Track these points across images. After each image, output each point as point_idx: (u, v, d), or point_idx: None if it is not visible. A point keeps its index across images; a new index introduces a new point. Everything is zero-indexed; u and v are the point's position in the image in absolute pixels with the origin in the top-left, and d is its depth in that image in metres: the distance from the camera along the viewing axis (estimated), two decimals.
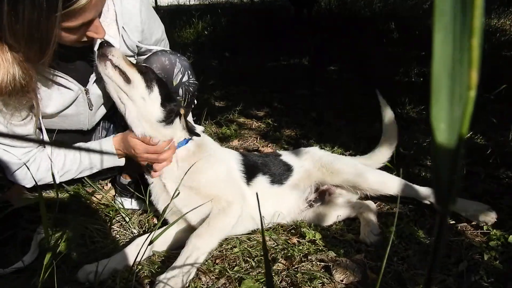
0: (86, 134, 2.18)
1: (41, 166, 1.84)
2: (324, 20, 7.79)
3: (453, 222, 1.98)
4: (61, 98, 1.87)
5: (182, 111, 1.87)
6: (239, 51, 6.41)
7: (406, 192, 2.02)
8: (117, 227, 2.00)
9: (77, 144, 1.99)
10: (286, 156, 2.17)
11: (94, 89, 1.98)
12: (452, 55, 0.26)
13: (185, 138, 1.89)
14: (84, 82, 1.94)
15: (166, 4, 14.42)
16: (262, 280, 1.55)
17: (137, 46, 2.03)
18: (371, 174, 2.08)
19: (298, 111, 3.81)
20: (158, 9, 11.47)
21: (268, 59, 5.99)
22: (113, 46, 1.76)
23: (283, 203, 2.01)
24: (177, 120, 1.86)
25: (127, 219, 2.02)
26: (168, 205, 1.55)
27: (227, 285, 1.54)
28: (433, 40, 0.26)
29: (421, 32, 6.36)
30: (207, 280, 1.58)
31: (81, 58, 1.92)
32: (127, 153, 1.93)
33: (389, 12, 8.19)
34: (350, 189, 2.09)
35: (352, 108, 3.70)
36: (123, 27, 1.92)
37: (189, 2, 15.07)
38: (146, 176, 1.93)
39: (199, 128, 1.96)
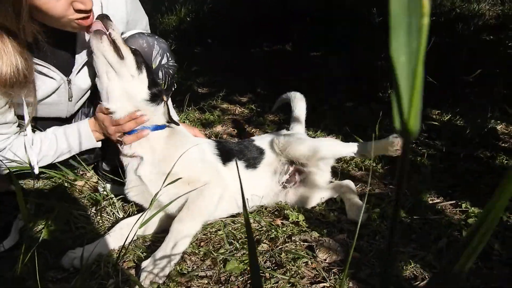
0: (65, 121, 2.15)
1: (17, 153, 1.82)
2: (307, 6, 7.75)
3: (433, 202, 2.02)
4: (44, 87, 1.84)
5: (164, 98, 1.87)
6: (222, 38, 6.36)
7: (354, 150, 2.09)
8: (101, 212, 1.99)
9: (54, 127, 1.96)
10: (258, 141, 2.17)
11: (76, 81, 1.96)
12: None
13: (162, 124, 1.88)
14: (67, 72, 1.92)
15: None
16: (246, 261, 1.57)
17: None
18: (323, 145, 2.09)
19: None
20: None
21: (251, 45, 5.97)
22: (111, 21, 1.74)
23: (258, 185, 2.02)
24: (161, 104, 1.85)
25: (111, 202, 2.01)
26: (153, 198, 1.57)
27: (212, 267, 1.55)
28: None
29: None
30: (192, 263, 1.59)
31: (65, 49, 1.90)
32: (103, 133, 1.92)
33: None
34: (313, 163, 2.09)
35: (335, 93, 3.72)
36: None
37: None
38: (122, 159, 1.90)
39: (176, 117, 1.97)
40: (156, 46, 2.05)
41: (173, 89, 2.23)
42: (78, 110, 2.17)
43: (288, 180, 2.07)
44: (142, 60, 1.82)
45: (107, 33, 1.72)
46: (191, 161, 1.79)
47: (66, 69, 1.92)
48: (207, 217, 1.75)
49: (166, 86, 2.13)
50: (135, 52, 1.80)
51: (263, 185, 2.03)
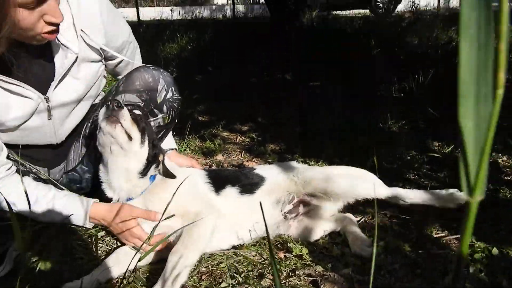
0: (57, 148, 2.10)
1: (9, 197, 1.69)
2: (306, 36, 7.89)
3: (438, 235, 1.99)
4: (21, 108, 1.77)
5: (161, 158, 1.88)
6: (223, 66, 6.42)
7: (379, 194, 2.04)
8: (97, 242, 1.95)
9: (55, 193, 1.88)
10: (260, 170, 2.15)
11: (55, 97, 1.86)
12: (477, 60, 0.27)
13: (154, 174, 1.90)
14: (43, 89, 1.83)
15: (149, 19, 14.45)
16: None
17: (102, 50, 1.95)
18: (341, 178, 2.06)
19: (282, 126, 3.82)
20: (140, 23, 11.48)
21: (251, 74, 6.02)
22: (123, 108, 1.72)
23: (256, 213, 1.96)
24: (152, 167, 1.86)
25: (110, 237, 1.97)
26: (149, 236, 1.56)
27: None
28: (459, 49, 0.27)
29: (401, 47, 6.51)
30: None
31: (38, 62, 1.83)
32: (106, 225, 1.87)
33: (370, 29, 8.36)
34: (323, 196, 2.05)
35: (336, 123, 3.73)
36: (82, 30, 1.83)
37: (172, 17, 15.13)
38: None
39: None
40: (162, 80, 2.04)
41: (176, 121, 2.22)
42: (73, 138, 2.13)
43: (291, 211, 2.04)
44: (145, 127, 1.82)
45: (120, 122, 1.70)
46: (180, 195, 1.77)
47: (43, 85, 1.83)
48: (203, 247, 1.70)
49: (170, 119, 2.12)
50: (140, 122, 1.79)
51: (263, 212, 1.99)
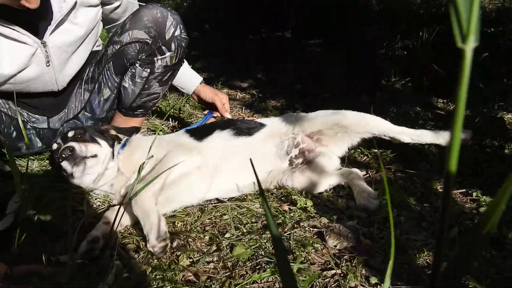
0: (58, 96, 2.05)
1: None
2: None
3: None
4: (16, 55, 1.72)
5: (113, 132, 1.97)
6: (220, 23, 6.25)
7: (385, 130, 1.98)
8: (98, 200, 1.91)
9: None
10: (259, 119, 2.14)
11: (52, 42, 1.82)
12: None
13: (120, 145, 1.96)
14: (40, 34, 1.78)
15: None
16: (254, 246, 1.51)
17: None
18: (349, 111, 2.06)
19: (283, 83, 3.74)
20: None
21: (250, 32, 5.86)
22: (73, 147, 1.75)
23: (258, 156, 1.94)
24: (115, 146, 1.93)
25: None
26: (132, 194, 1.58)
27: (218, 252, 1.49)
28: None
29: (403, 4, 6.32)
30: (197, 248, 1.53)
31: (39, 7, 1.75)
32: None
33: None
34: (331, 132, 2.02)
35: (337, 81, 3.65)
36: None
37: None
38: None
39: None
40: (170, 17, 1.95)
41: (182, 64, 2.14)
42: (75, 84, 2.07)
43: (297, 156, 2.00)
44: (93, 133, 1.89)
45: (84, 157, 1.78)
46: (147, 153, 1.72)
47: (39, 29, 1.78)
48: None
49: (177, 60, 2.04)
50: (94, 140, 1.86)
51: (266, 156, 1.96)
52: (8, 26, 1.65)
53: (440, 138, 1.97)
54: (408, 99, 3.03)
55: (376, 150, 2.32)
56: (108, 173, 1.85)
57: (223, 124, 2.00)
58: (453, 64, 3.45)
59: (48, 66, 1.85)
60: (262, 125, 2.04)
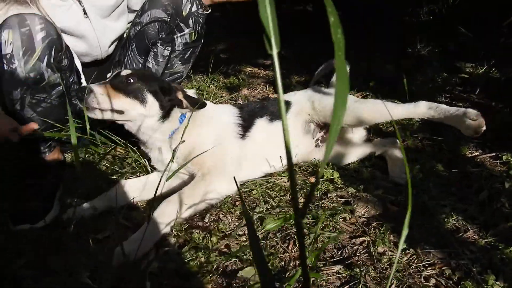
0: (102, 65, 2.14)
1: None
2: None
3: (472, 155, 1.96)
4: (56, 12, 1.79)
5: (180, 95, 1.80)
6: (241, 2, 6.20)
7: (403, 113, 1.88)
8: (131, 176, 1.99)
9: None
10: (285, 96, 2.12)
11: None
12: None
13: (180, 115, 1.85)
14: None
15: None
16: (281, 223, 1.55)
17: None
18: (362, 103, 1.97)
19: (306, 58, 3.71)
20: None
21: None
22: (92, 91, 1.66)
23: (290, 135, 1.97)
24: (174, 110, 1.81)
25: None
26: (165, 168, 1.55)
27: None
28: None
29: None
30: (229, 221, 1.59)
31: None
32: None
33: None
34: (349, 122, 1.96)
35: (361, 52, 3.59)
36: None
37: None
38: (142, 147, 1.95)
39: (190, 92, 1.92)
40: None
41: (202, 41, 2.15)
42: (109, 69, 2.15)
43: (323, 139, 2.03)
44: (142, 84, 1.73)
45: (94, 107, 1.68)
46: (204, 145, 1.75)
47: None
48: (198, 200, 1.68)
49: (196, 36, 2.06)
50: (131, 85, 1.72)
51: (294, 136, 1.99)
52: None
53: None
54: (435, 66, 2.96)
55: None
56: (155, 135, 1.81)
57: (261, 112, 2.00)
58: (480, 27, 3.34)
59: (86, 18, 1.92)
60: (288, 104, 2.05)
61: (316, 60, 3.62)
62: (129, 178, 1.92)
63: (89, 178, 1.89)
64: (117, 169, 2.00)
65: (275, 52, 0.48)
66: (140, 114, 1.73)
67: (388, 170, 1.89)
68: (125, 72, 1.76)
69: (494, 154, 1.92)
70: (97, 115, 1.69)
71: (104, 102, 1.67)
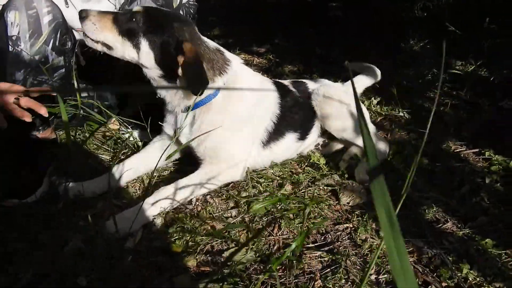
0: None
1: None
2: None
3: (457, 150, 2.01)
4: None
5: (181, 59, 1.50)
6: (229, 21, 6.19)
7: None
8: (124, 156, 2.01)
9: None
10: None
11: None
12: None
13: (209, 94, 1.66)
14: None
15: None
16: (269, 203, 1.59)
17: None
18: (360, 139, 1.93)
19: (301, 48, 3.74)
20: None
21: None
22: (87, 17, 1.53)
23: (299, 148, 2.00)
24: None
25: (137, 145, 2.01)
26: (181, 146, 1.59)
27: (238, 209, 1.58)
28: None
29: None
30: (216, 204, 1.62)
31: None
32: None
33: None
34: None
35: (357, 45, 3.63)
36: None
37: None
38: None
39: (236, 61, 1.74)
40: None
41: None
42: None
43: (324, 144, 2.08)
44: (143, 27, 1.54)
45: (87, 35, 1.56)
46: (228, 130, 1.68)
47: None
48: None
49: None
50: (129, 24, 1.55)
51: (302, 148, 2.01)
52: None
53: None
54: (427, 61, 3.00)
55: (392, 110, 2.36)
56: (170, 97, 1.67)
57: (291, 122, 1.91)
58: (471, 22, 3.38)
59: (67, 7, 1.85)
60: (311, 122, 2.00)
61: (311, 50, 3.66)
62: (122, 157, 1.93)
63: (81, 156, 1.90)
64: (107, 148, 2.01)
65: None
66: (132, 58, 1.57)
67: (355, 172, 1.82)
68: (138, 7, 1.58)
69: (477, 150, 1.97)
70: (89, 43, 1.57)
71: (95, 32, 1.53)
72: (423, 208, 1.58)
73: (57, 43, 1.67)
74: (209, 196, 1.66)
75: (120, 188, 1.72)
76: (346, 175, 1.79)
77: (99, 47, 1.58)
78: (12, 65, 1.60)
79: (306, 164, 1.90)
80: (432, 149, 2.00)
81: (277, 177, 1.80)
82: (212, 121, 1.65)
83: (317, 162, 1.84)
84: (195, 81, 1.52)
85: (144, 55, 1.55)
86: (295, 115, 1.90)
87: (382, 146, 1.92)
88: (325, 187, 1.72)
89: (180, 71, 1.51)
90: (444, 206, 1.60)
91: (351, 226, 1.49)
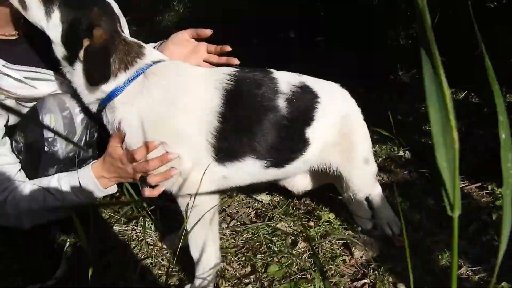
0: None
1: (20, 208, 1.54)
2: None
3: (461, 185, 2.06)
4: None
5: (86, 42, 1.37)
6: (223, 31, 6.33)
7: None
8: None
9: (47, 179, 1.60)
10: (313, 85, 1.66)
11: None
12: (442, 123, 0.47)
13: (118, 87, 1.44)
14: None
15: None
16: (286, 264, 1.62)
17: None
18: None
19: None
20: None
21: (253, 35, 5.92)
22: None
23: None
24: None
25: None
26: None
27: (255, 274, 1.61)
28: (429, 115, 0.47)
29: None
30: (234, 270, 1.65)
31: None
32: (118, 177, 1.57)
33: None
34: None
35: (344, 79, 3.70)
36: None
37: None
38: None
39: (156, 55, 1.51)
40: None
41: None
42: None
43: None
44: None
45: None
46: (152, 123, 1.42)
47: None
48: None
49: None
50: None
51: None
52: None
53: None
54: (417, 93, 3.08)
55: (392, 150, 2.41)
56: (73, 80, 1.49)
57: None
58: (456, 50, 3.48)
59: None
60: (305, 144, 1.65)
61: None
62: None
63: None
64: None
65: (456, 215, 0.53)
66: (42, 26, 1.42)
67: (375, 219, 1.85)
68: None
69: (480, 184, 2.02)
70: None
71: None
72: (436, 254, 1.62)
73: (88, 139, 1.71)
74: (225, 262, 1.69)
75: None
76: (359, 228, 1.83)
77: (15, 2, 1.41)
78: (46, 163, 1.63)
79: (315, 217, 1.93)
80: (435, 187, 2.05)
81: (290, 233, 1.83)
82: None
83: (328, 219, 1.88)
84: (95, 69, 1.40)
85: (52, 27, 1.41)
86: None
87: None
88: (337, 241, 1.75)
89: (81, 53, 1.39)
90: None
91: (369, 282, 1.52)
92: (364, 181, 1.73)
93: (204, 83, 1.48)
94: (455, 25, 3.69)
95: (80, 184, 1.55)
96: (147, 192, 1.50)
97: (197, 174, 1.41)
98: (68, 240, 1.82)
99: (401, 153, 2.38)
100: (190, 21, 7.45)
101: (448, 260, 1.59)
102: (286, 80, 1.58)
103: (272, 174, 1.61)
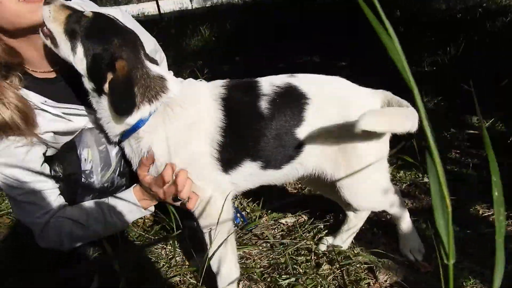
0: None
1: (62, 231, 1.64)
2: (328, 11, 7.82)
3: (484, 214, 2.06)
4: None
5: (110, 76, 1.44)
6: (248, 54, 6.48)
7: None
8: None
9: (95, 202, 1.72)
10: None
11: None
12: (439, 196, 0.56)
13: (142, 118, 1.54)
14: None
15: (169, 11, 14.57)
16: (311, 285, 1.66)
17: None
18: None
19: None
20: (161, 17, 11.58)
21: (278, 59, 6.05)
22: (50, 3, 1.48)
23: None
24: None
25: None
26: None
27: None
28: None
29: (428, 18, 6.37)
30: None
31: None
32: (153, 199, 1.70)
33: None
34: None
35: None
36: None
37: (192, 6, 15.15)
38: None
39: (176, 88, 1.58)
40: None
41: None
42: None
43: None
44: (81, 30, 1.47)
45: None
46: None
47: None
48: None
49: None
50: (73, 25, 1.47)
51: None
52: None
53: None
54: (442, 121, 3.10)
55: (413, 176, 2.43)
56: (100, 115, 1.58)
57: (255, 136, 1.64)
58: (483, 78, 3.50)
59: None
60: (299, 148, 1.68)
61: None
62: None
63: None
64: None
65: (451, 262, 0.60)
66: (70, 62, 1.50)
67: (399, 244, 1.88)
68: (89, 12, 1.52)
69: (506, 213, 2.02)
70: (42, 34, 1.51)
71: (47, 20, 1.48)
72: (460, 281, 1.63)
73: (122, 169, 1.81)
74: (252, 282, 1.73)
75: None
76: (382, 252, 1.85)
77: (48, 42, 1.52)
78: (83, 192, 1.74)
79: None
80: (461, 215, 2.06)
81: (314, 254, 1.86)
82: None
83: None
84: (120, 101, 1.47)
85: (78, 61, 1.48)
86: None
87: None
88: (362, 265, 1.78)
89: (106, 87, 1.46)
90: (480, 277, 1.65)
91: None
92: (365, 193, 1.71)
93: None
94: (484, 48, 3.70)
95: (121, 206, 1.69)
96: (191, 204, 1.58)
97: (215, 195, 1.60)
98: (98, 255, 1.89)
99: (426, 179, 2.40)
100: (215, 44, 7.67)
101: (472, 287, 1.60)
102: (269, 83, 1.68)
103: (272, 174, 1.67)
